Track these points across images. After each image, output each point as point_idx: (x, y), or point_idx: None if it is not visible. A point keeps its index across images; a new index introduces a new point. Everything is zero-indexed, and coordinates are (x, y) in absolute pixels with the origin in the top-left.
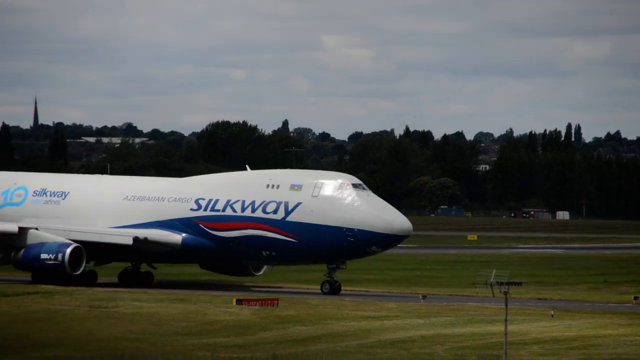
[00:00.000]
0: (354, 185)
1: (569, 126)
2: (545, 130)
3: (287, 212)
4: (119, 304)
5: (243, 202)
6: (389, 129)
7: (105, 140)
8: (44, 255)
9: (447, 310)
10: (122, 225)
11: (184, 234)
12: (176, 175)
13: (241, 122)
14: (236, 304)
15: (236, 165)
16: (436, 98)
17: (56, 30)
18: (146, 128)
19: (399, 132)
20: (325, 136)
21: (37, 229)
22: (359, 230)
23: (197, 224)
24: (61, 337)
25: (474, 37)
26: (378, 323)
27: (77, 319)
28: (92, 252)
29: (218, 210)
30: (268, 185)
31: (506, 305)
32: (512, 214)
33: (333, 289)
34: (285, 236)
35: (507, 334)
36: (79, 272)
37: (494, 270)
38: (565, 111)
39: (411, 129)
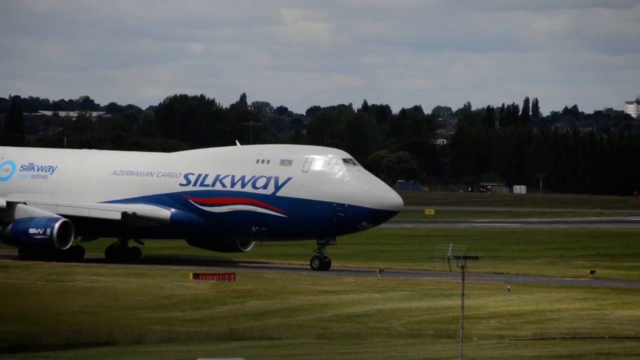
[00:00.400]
0: (345, 161)
1: (526, 100)
2: (503, 105)
3: (277, 187)
4: (75, 277)
5: (233, 177)
6: (347, 103)
7: (62, 113)
8: (32, 230)
9: (404, 285)
10: (110, 200)
11: (172, 209)
12: (133, 148)
13: (199, 95)
14: (193, 278)
15: (193, 139)
16: (395, 72)
17: (14, 3)
18: (103, 102)
19: (357, 106)
20: (283, 110)
21: (25, 203)
22: (349, 205)
23: (186, 199)
24: (18, 311)
25: (433, 11)
26: (335, 297)
27: (34, 293)
28: (80, 227)
29: (207, 185)
30: (258, 160)
31: (463, 279)
32: (470, 189)
33: (322, 264)
34: (275, 211)
35: (463, 308)
36: (67, 247)
37: (451, 245)
38: (523, 85)
39: (369, 103)
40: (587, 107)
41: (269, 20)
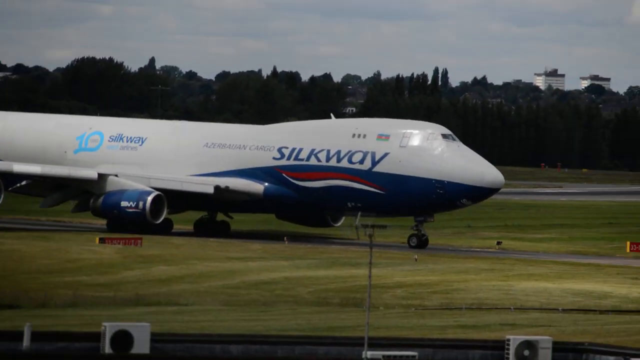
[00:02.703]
0: (444, 136)
1: (436, 70)
2: (412, 74)
3: (374, 163)
4: None
5: (328, 151)
6: (256, 69)
7: None
8: (124, 203)
9: (312, 253)
10: (201, 173)
11: (266, 184)
12: (40, 110)
13: (107, 58)
14: (99, 242)
15: (101, 102)
16: (304, 39)
17: None
18: (10, 62)
19: (266, 72)
20: (192, 75)
21: (116, 175)
22: (448, 182)
23: (279, 173)
24: None
25: None
26: (242, 264)
27: None
28: (170, 200)
29: (302, 160)
30: (354, 135)
31: (371, 248)
32: None
33: (421, 242)
34: (372, 187)
35: (371, 277)
36: (159, 221)
37: (359, 213)
38: (432, 55)
39: (279, 70)
40: (496, 78)
41: None
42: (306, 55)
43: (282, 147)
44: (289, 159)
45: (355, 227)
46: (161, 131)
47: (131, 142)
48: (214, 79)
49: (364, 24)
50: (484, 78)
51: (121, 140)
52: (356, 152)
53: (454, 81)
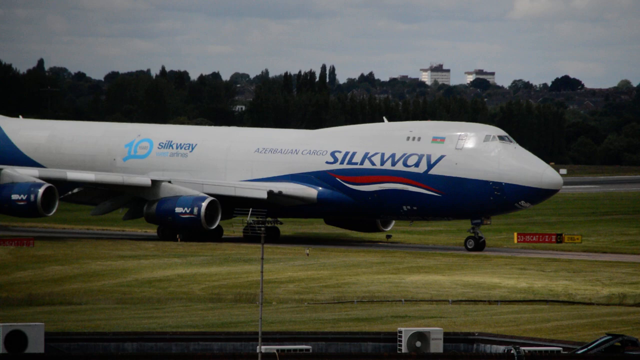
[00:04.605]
0: (500, 138)
1: (323, 67)
2: (300, 72)
3: (430, 166)
4: None
5: (382, 154)
6: (145, 69)
7: None
8: (178, 209)
9: (204, 250)
10: (253, 178)
11: (319, 188)
12: None
13: None
14: None
15: None
16: (193, 38)
17: None
18: None
19: (155, 72)
20: (81, 76)
21: (170, 181)
22: (506, 184)
23: (333, 177)
24: None
25: None
26: (135, 262)
27: None
28: (221, 206)
29: (356, 164)
30: (408, 138)
31: (262, 244)
32: None
33: (478, 245)
34: (428, 190)
35: (263, 272)
36: (214, 227)
37: (251, 209)
38: (319, 52)
39: (167, 69)
40: (383, 75)
41: None
42: (194, 55)
43: (335, 151)
44: (342, 162)
45: (247, 224)
46: (211, 137)
47: (181, 148)
48: (103, 79)
49: (251, 23)
50: (371, 74)
51: (171, 147)
52: (411, 155)
53: (342, 78)
